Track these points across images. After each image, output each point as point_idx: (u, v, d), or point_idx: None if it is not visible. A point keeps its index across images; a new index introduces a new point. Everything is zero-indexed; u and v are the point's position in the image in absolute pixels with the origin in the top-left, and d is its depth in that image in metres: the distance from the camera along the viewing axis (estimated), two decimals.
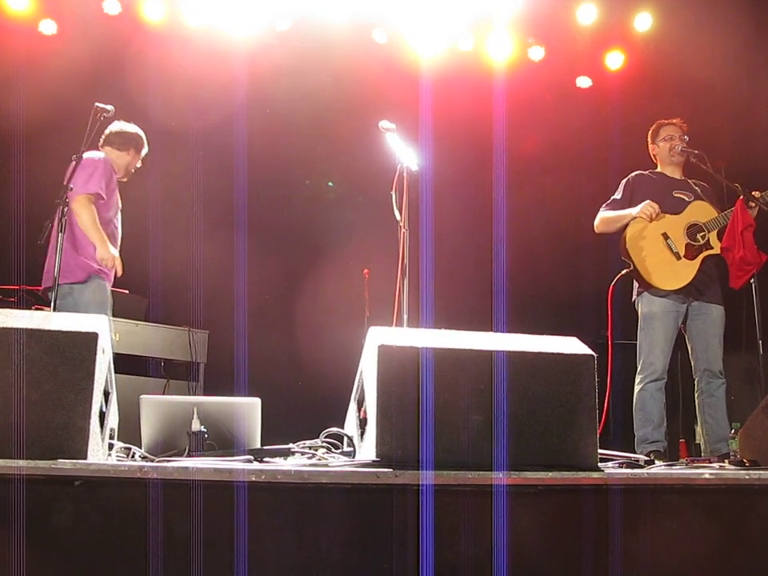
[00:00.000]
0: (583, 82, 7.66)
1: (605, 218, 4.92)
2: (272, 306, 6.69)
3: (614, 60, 7.48)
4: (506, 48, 7.21)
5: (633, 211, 4.76)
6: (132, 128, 5.08)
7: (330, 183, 7.68)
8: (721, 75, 7.39)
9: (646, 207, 4.69)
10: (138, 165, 5.11)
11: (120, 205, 4.94)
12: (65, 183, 4.29)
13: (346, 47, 6.80)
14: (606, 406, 4.62)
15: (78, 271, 4.61)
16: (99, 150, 4.93)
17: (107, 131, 4.99)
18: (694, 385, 4.75)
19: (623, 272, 4.77)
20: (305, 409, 5.79)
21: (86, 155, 4.54)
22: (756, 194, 4.64)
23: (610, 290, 4.76)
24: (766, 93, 6.84)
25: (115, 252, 4.70)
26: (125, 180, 5.07)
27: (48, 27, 6.39)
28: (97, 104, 4.33)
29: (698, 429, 4.84)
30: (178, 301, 5.59)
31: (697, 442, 5.36)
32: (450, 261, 6.26)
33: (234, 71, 6.53)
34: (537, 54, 7.31)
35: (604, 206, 4.96)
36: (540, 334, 2.74)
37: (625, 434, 4.83)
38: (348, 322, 5.88)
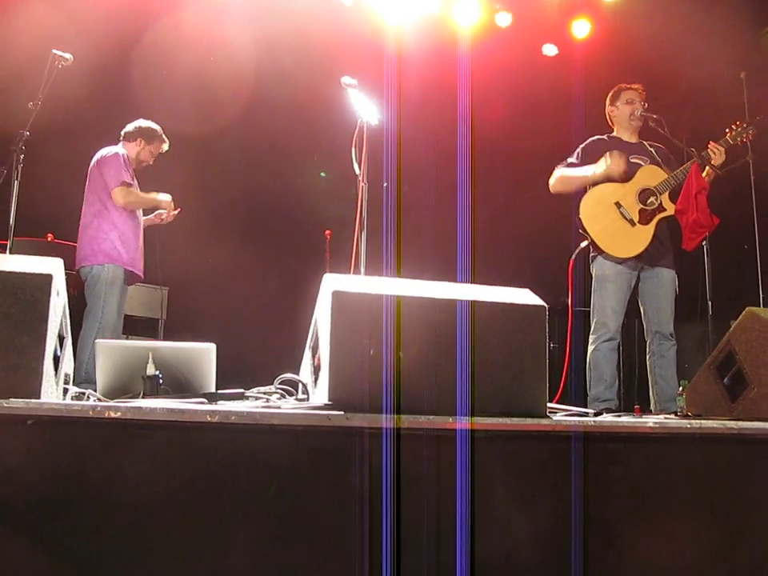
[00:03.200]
0: (549, 49, 7.70)
1: (563, 176, 4.92)
2: (232, 264, 6.68)
3: (581, 28, 7.52)
4: (473, 13, 7.22)
5: (597, 169, 4.78)
6: (144, 122, 5.51)
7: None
8: (685, 47, 7.46)
9: (614, 160, 4.71)
10: (149, 156, 5.50)
11: None
12: None
13: (311, 8, 6.74)
14: (564, 371, 4.70)
15: (101, 256, 5.10)
16: (116, 145, 5.37)
17: (124, 129, 5.47)
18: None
19: (582, 245, 4.84)
20: (261, 358, 5.80)
21: (105, 151, 5.23)
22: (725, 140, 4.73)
23: (570, 263, 4.83)
24: (729, 66, 6.91)
25: (166, 196, 5.44)
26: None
27: None
28: (54, 51, 4.28)
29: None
30: None
31: (651, 409, 5.49)
32: (413, 214, 6.29)
33: (197, 28, 6.45)
34: (504, 20, 7.34)
35: (559, 165, 4.98)
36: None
37: (584, 396, 4.93)
38: (308, 280, 5.90)
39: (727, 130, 4.81)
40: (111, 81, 6.18)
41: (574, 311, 6.42)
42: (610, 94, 5.13)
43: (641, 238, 4.69)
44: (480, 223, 6.50)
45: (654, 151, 4.93)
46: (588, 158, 4.91)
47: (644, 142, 4.99)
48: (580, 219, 4.80)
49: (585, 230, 4.78)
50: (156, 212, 5.51)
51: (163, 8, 6.41)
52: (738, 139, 4.77)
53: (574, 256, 4.83)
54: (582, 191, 4.89)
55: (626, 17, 7.44)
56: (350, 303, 2.41)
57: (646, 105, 5.00)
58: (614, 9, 7.41)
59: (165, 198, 5.41)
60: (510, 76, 7.49)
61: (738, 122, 4.83)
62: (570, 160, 4.97)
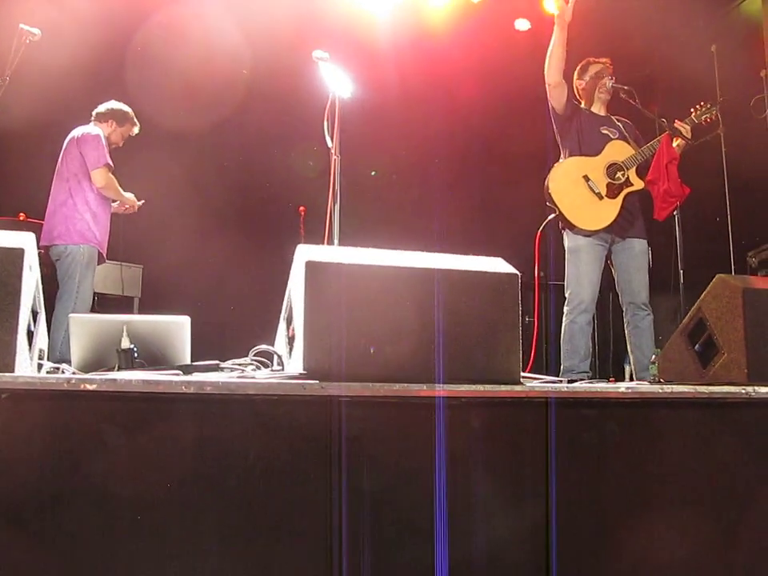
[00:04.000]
0: (522, 24, 7.69)
1: (548, 55, 4.90)
2: (206, 241, 6.65)
3: (552, 3, 7.49)
4: None
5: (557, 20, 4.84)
6: (116, 104, 5.51)
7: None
8: (657, 21, 7.49)
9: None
10: (119, 138, 5.50)
11: None
12: None
13: None
14: (533, 343, 4.76)
15: (76, 236, 5.08)
16: (89, 125, 5.36)
17: (94, 111, 5.45)
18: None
19: (549, 217, 4.88)
20: (236, 331, 5.81)
21: (85, 129, 5.22)
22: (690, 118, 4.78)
23: (537, 235, 4.88)
24: (700, 39, 6.95)
25: (132, 197, 5.46)
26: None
27: None
28: (21, 25, 4.22)
29: (627, 365, 5.02)
30: (112, 237, 5.50)
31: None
32: (386, 186, 6.29)
33: (170, 14, 6.40)
34: None
35: None
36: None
37: (557, 368, 4.98)
38: (282, 254, 5.89)
39: (692, 110, 4.88)
40: (83, 59, 6.09)
41: (548, 285, 6.48)
42: (578, 68, 5.16)
43: (608, 211, 4.74)
44: (456, 198, 6.52)
45: (621, 126, 4.98)
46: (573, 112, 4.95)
47: (612, 117, 5.03)
48: (549, 192, 4.84)
49: (553, 203, 4.83)
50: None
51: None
52: (703, 118, 4.84)
53: (541, 228, 4.88)
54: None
55: None
56: (323, 273, 2.42)
57: (614, 78, 5.03)
58: None
59: (131, 197, 5.45)
60: (483, 51, 7.48)
61: (702, 102, 4.90)
62: None
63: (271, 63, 6.88)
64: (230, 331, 6.01)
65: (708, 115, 4.83)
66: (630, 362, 4.81)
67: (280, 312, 2.91)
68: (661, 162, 4.53)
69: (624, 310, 4.81)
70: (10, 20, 4.39)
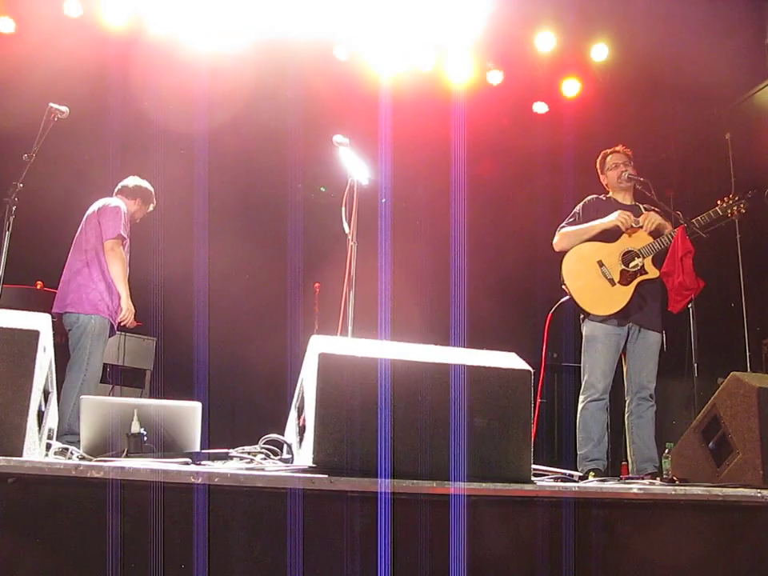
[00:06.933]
0: (540, 107, 7.83)
1: (569, 232, 4.94)
2: (222, 315, 6.68)
3: (571, 87, 7.64)
4: (466, 70, 7.34)
5: (604, 221, 4.84)
6: (143, 183, 5.58)
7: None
8: (673, 108, 7.62)
9: (621, 215, 4.78)
10: (141, 215, 5.57)
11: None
12: None
13: (308, 63, 6.86)
14: (534, 427, 4.70)
15: (88, 306, 5.06)
16: (113, 197, 5.43)
17: (121, 183, 5.53)
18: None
19: (561, 300, 4.89)
20: (247, 416, 5.78)
21: (106, 202, 5.28)
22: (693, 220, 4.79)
23: (548, 317, 4.88)
24: (714, 127, 7.04)
25: (130, 305, 5.24)
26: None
27: (5, 25, 6.34)
28: (51, 104, 4.33)
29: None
30: None
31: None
32: (405, 275, 6.32)
33: (196, 84, 6.54)
34: (495, 77, 7.46)
35: (563, 223, 5.04)
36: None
37: (571, 453, 4.93)
38: (297, 334, 5.92)
39: (719, 201, 4.86)
40: (102, 136, 6.24)
41: (562, 367, 6.44)
42: (598, 163, 5.21)
43: (619, 297, 4.74)
44: (474, 278, 6.54)
45: None
46: (587, 217, 4.97)
47: (639, 205, 5.05)
48: (562, 274, 4.86)
49: (565, 285, 4.84)
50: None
51: (162, 63, 6.49)
52: (729, 211, 4.81)
53: (552, 310, 4.88)
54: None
55: (615, 77, 7.59)
56: (337, 365, 2.42)
57: (632, 163, 5.08)
58: (603, 69, 7.56)
59: (127, 304, 5.23)
60: (501, 132, 7.60)
61: (731, 195, 4.87)
62: (570, 219, 5.03)
63: (295, 141, 7.00)
64: (241, 412, 5.98)
65: (735, 208, 4.80)
66: (630, 453, 4.73)
67: (292, 396, 2.91)
68: (676, 254, 4.53)
69: (629, 399, 4.77)
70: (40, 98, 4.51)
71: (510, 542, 2.48)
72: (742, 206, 4.80)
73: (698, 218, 4.76)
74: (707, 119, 7.25)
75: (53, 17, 6.28)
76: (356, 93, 6.92)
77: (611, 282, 4.76)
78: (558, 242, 5.01)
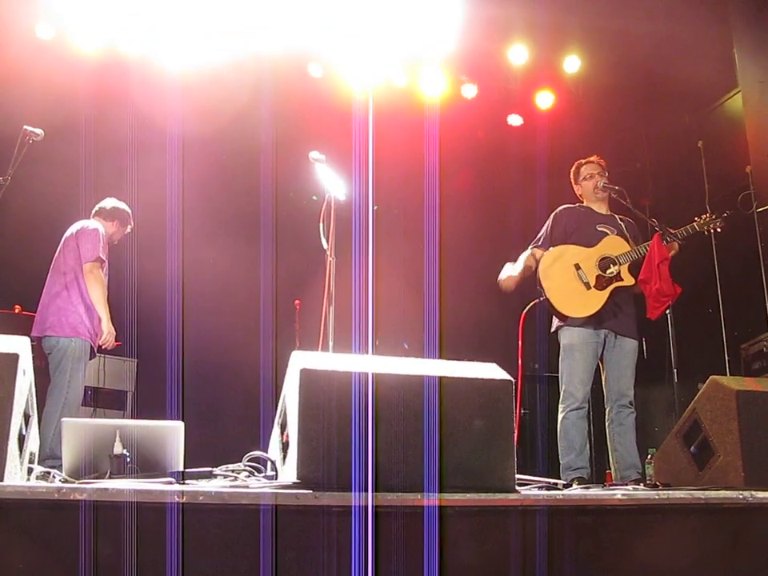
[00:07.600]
0: (515, 120, 7.90)
1: (503, 278, 5.00)
2: (203, 334, 6.66)
3: (545, 99, 7.73)
4: (440, 85, 7.40)
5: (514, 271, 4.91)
6: (120, 204, 5.57)
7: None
8: (645, 117, 7.71)
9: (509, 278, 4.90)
10: (118, 237, 5.55)
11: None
12: None
13: (282, 80, 6.88)
14: (516, 433, 4.70)
15: (68, 329, 5.04)
16: (91, 219, 5.41)
17: (99, 205, 5.51)
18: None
19: (535, 301, 4.91)
20: (231, 434, 5.76)
21: (83, 224, 5.27)
22: (672, 230, 4.85)
23: (522, 317, 4.89)
24: (689, 138, 7.12)
25: (110, 327, 5.21)
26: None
27: None
28: (26, 127, 4.31)
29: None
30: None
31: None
32: (381, 288, 6.32)
33: (170, 103, 6.54)
34: (470, 91, 7.53)
35: (532, 243, 5.07)
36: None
37: (554, 463, 4.93)
38: (278, 351, 5.91)
39: (696, 218, 4.94)
40: (76, 158, 6.22)
41: (542, 377, 6.45)
42: (572, 174, 5.25)
43: (593, 301, 4.77)
44: (449, 293, 6.56)
45: (623, 225, 5.02)
46: (559, 227, 5.01)
47: (615, 216, 5.09)
48: (537, 275, 4.89)
49: (541, 286, 4.87)
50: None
51: (136, 83, 6.50)
52: (705, 228, 4.90)
53: (526, 310, 4.90)
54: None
55: (588, 88, 7.68)
56: (318, 381, 2.42)
57: (607, 173, 5.13)
58: (575, 81, 7.65)
59: (108, 326, 5.19)
60: (477, 145, 7.66)
61: (708, 213, 4.97)
62: (540, 234, 5.06)
63: (268, 158, 7.01)
64: (223, 430, 5.95)
65: (712, 225, 4.89)
66: (612, 461, 4.75)
67: (275, 413, 2.90)
68: (653, 261, 4.58)
69: (609, 407, 4.80)
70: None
71: (497, 553, 2.49)
72: (718, 224, 4.89)
73: (675, 231, 4.82)
74: (680, 128, 7.33)
75: (25, 39, 6.27)
76: (331, 109, 6.94)
77: (587, 285, 4.80)
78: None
